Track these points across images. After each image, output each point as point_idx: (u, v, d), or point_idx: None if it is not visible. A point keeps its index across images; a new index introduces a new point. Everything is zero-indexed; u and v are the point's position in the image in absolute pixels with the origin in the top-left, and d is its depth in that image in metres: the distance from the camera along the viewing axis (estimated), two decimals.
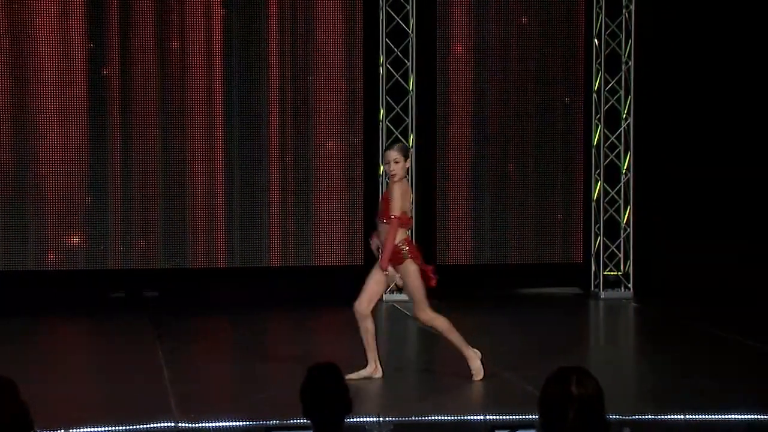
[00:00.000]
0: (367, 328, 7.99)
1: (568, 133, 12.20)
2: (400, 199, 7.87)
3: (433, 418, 7.16)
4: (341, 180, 11.73)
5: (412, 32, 11.78)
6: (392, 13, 11.75)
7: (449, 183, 12.06)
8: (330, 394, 3.88)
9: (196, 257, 11.71)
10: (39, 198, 11.40)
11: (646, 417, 7.10)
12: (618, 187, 12.08)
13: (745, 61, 12.15)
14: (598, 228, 12.10)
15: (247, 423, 6.91)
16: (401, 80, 11.80)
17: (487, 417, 7.00)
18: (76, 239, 11.48)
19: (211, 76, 11.64)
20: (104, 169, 11.50)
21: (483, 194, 12.09)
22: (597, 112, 12.06)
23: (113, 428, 6.81)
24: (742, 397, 7.47)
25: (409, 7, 11.74)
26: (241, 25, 11.65)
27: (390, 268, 7.85)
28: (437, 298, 11.80)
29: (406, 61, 11.78)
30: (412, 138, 11.84)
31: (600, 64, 11.99)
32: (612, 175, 12.08)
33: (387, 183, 11.78)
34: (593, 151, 12.12)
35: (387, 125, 11.82)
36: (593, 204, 12.12)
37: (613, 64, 12.00)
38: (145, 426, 6.85)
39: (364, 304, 7.97)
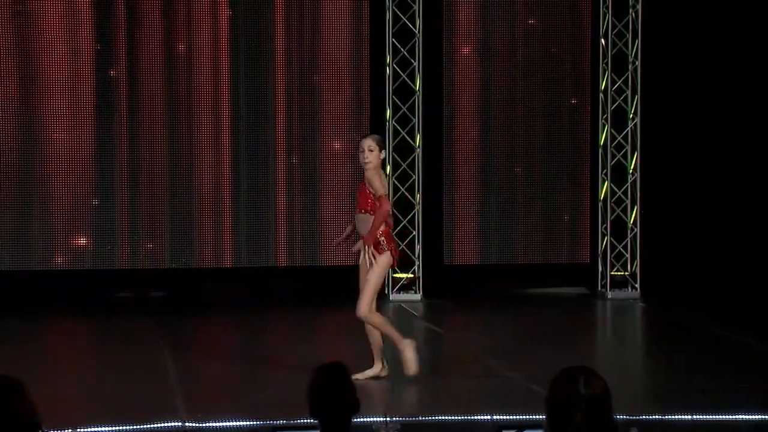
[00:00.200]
0: (375, 321, 7.98)
1: (574, 133, 12.20)
2: (381, 183, 7.79)
3: (439, 418, 7.16)
4: (348, 180, 11.73)
5: (419, 32, 11.78)
6: (399, 13, 11.75)
7: (456, 183, 12.06)
8: (337, 394, 3.88)
9: (203, 257, 11.72)
10: (46, 198, 11.42)
11: (654, 417, 7.09)
12: (625, 187, 12.07)
13: (753, 61, 12.13)
14: (605, 228, 12.09)
15: (254, 423, 6.91)
16: (408, 80, 11.80)
17: (494, 417, 7.00)
18: (83, 241, 11.50)
19: (218, 77, 11.65)
20: (111, 169, 11.51)
21: (490, 194, 12.08)
22: (604, 112, 12.05)
23: (120, 428, 6.82)
24: (749, 397, 7.46)
25: (415, 7, 11.74)
26: (248, 26, 11.66)
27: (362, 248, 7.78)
28: (444, 298, 11.85)
29: (412, 61, 11.78)
30: (418, 138, 11.84)
31: (607, 63, 11.98)
32: (619, 174, 12.07)
33: (393, 184, 11.80)
34: (600, 150, 12.11)
35: (394, 125, 11.82)
36: (600, 204, 12.11)
37: (619, 64, 11.99)
38: (152, 426, 6.86)
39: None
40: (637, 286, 12.07)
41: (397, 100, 11.80)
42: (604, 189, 12.09)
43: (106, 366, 8.80)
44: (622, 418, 6.73)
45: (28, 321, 10.70)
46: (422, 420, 7.13)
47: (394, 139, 11.83)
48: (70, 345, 10.11)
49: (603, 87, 12.03)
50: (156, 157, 11.59)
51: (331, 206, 11.82)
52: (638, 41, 11.94)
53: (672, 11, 12.02)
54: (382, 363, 8.05)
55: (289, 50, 11.73)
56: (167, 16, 11.53)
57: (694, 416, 7.06)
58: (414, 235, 11.85)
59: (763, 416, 7.07)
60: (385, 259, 7.84)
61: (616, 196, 12.08)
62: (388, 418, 6.99)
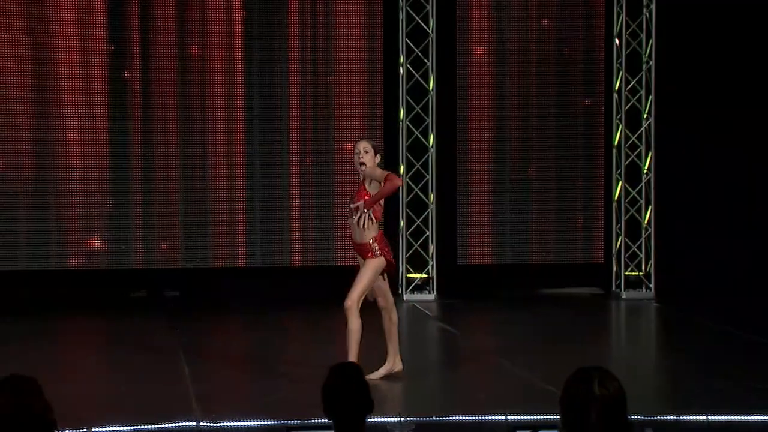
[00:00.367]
0: (391, 320, 7.97)
1: (588, 133, 12.18)
2: (380, 172, 7.68)
3: (454, 417, 7.15)
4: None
5: (432, 32, 11.78)
6: (412, 13, 11.75)
7: (469, 183, 12.06)
8: (351, 394, 3.88)
9: (217, 257, 11.74)
10: (61, 199, 11.46)
11: (668, 417, 7.08)
12: (639, 187, 12.05)
13: (767, 60, 12.09)
14: (619, 228, 12.07)
15: (268, 423, 6.92)
16: (421, 80, 11.80)
17: (508, 417, 6.99)
18: (98, 241, 11.53)
19: (232, 78, 11.67)
20: (125, 169, 11.54)
21: (504, 194, 12.07)
22: (618, 112, 12.03)
23: (135, 427, 6.83)
24: (763, 398, 7.43)
25: (429, 8, 11.74)
26: (261, 27, 11.67)
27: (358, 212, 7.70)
28: (458, 298, 11.85)
29: (426, 61, 11.78)
30: (432, 138, 11.84)
31: (621, 63, 11.96)
32: (633, 174, 12.05)
33: (407, 184, 11.79)
34: (614, 150, 12.09)
35: (407, 125, 11.82)
36: (614, 204, 12.09)
37: (633, 64, 11.97)
38: (166, 425, 6.87)
39: (384, 301, 7.96)
40: (652, 286, 12.05)
41: (410, 100, 11.80)
42: (618, 189, 12.07)
43: (120, 365, 8.82)
44: (637, 419, 6.72)
45: (43, 320, 10.73)
46: (436, 420, 7.13)
47: (407, 139, 11.83)
48: (84, 344, 10.14)
49: (617, 87, 12.01)
50: (170, 157, 11.62)
51: (345, 206, 11.77)
52: (652, 41, 11.91)
53: (686, 11, 11.99)
54: (395, 358, 8.03)
55: (303, 51, 11.74)
56: (181, 17, 11.56)
57: (709, 417, 7.04)
58: (428, 235, 11.85)
59: None
60: (377, 263, 7.80)
61: (630, 196, 12.05)
62: (402, 418, 6.99)
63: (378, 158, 7.86)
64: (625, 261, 12.06)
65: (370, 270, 7.78)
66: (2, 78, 11.32)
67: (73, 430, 6.67)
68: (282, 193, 11.79)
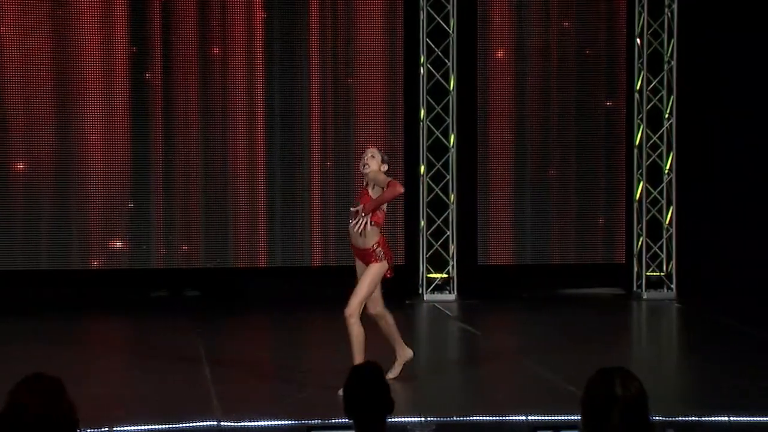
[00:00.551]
0: (387, 322, 7.93)
1: (610, 133, 12.15)
2: (383, 177, 7.65)
3: (474, 418, 7.15)
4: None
5: (453, 32, 11.77)
6: (433, 13, 11.75)
7: (490, 183, 12.04)
8: (372, 394, 3.89)
9: (238, 257, 11.77)
10: (83, 200, 11.50)
11: (690, 419, 7.05)
12: (660, 187, 12.01)
13: None
14: (641, 228, 12.03)
15: (289, 422, 6.93)
16: (442, 80, 11.79)
17: (529, 417, 6.98)
18: (119, 242, 11.57)
19: (252, 79, 11.69)
20: (146, 170, 11.58)
21: (524, 194, 12.06)
22: (639, 112, 12.00)
23: (156, 427, 6.86)
24: None
25: (449, 7, 11.74)
26: (282, 28, 11.69)
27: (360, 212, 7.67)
28: (479, 299, 11.83)
29: (446, 61, 11.77)
30: (453, 138, 11.84)
31: (642, 63, 11.92)
32: (654, 175, 12.01)
33: (427, 184, 11.79)
34: (635, 151, 12.05)
35: (428, 125, 11.82)
36: (635, 204, 12.06)
37: (655, 64, 11.93)
38: (187, 425, 6.89)
39: (376, 307, 7.87)
40: (673, 286, 12.00)
41: (431, 100, 11.80)
42: (639, 189, 12.04)
43: (141, 365, 8.85)
44: (659, 420, 6.69)
45: (65, 320, 10.78)
46: (457, 420, 7.12)
47: (428, 139, 11.83)
48: (106, 344, 10.18)
49: (638, 87, 11.97)
50: (190, 158, 11.65)
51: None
52: (674, 41, 11.87)
53: (707, 10, 11.95)
54: (402, 346, 7.96)
55: (323, 51, 11.76)
56: (202, 18, 11.59)
57: (731, 417, 7.01)
58: (448, 235, 11.85)
59: None
60: (380, 269, 7.76)
61: (651, 197, 12.01)
62: (422, 418, 6.99)
63: (385, 167, 7.82)
64: (646, 261, 12.02)
65: (371, 276, 7.74)
66: (25, 79, 11.37)
67: (95, 429, 6.70)
68: (302, 193, 11.80)
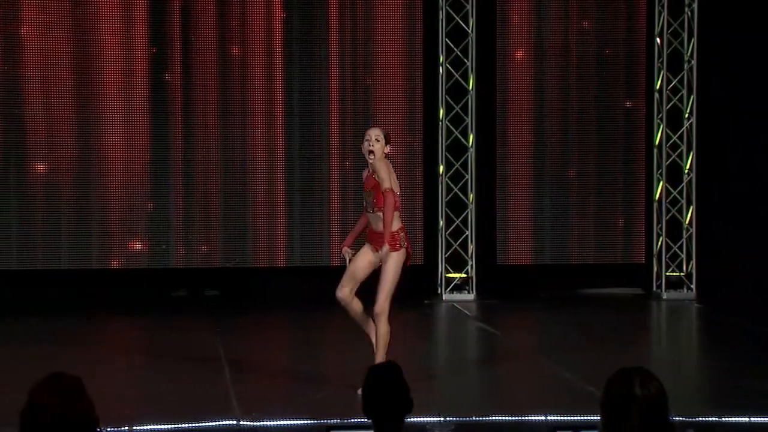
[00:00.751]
0: (355, 309, 7.79)
1: (629, 133, 12.11)
2: (388, 174, 7.61)
3: (493, 418, 7.14)
4: (400, 181, 11.71)
5: (472, 32, 11.76)
6: (452, 12, 11.74)
7: (509, 182, 12.03)
8: (391, 393, 3.88)
9: (257, 256, 11.79)
10: (102, 199, 11.54)
11: (710, 419, 7.03)
12: (680, 187, 11.97)
13: None
14: (660, 228, 11.99)
15: (308, 422, 6.94)
16: (461, 80, 11.78)
17: (548, 417, 6.97)
18: (139, 243, 11.61)
19: (272, 79, 11.71)
20: (166, 170, 11.61)
21: (543, 194, 12.03)
22: (659, 112, 11.96)
23: (175, 426, 6.87)
24: None
25: (468, 7, 11.73)
26: (302, 28, 11.71)
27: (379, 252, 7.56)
28: (498, 299, 11.81)
29: (465, 60, 11.76)
30: (471, 137, 11.82)
31: (662, 63, 11.88)
32: (674, 174, 11.97)
33: (446, 183, 11.78)
34: (655, 150, 12.01)
35: (447, 125, 11.81)
36: (655, 204, 12.02)
37: (675, 63, 11.88)
38: (207, 424, 6.91)
39: (346, 290, 7.79)
40: (693, 286, 11.96)
41: (450, 100, 11.79)
42: (659, 189, 12.00)
43: (161, 364, 8.87)
44: (679, 420, 6.67)
45: (85, 319, 10.82)
46: (476, 420, 7.12)
47: (447, 139, 11.82)
48: (125, 343, 10.21)
49: (658, 86, 11.93)
50: (210, 158, 11.68)
51: None
52: (694, 40, 11.83)
53: (728, 9, 11.90)
54: (368, 321, 7.77)
55: (343, 51, 11.77)
56: (221, 18, 11.61)
57: (751, 418, 6.98)
58: (467, 235, 11.84)
59: None
60: (401, 257, 7.65)
61: (671, 197, 11.97)
62: (441, 418, 6.98)
63: (387, 148, 7.72)
64: (666, 261, 11.98)
65: (393, 267, 7.62)
66: (46, 81, 11.42)
67: (115, 428, 6.72)
68: (321, 192, 11.82)
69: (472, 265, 11.86)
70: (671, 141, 11.96)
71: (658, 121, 11.97)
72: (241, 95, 11.68)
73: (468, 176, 11.83)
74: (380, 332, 7.65)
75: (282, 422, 6.95)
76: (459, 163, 11.84)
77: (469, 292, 11.83)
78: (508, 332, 10.65)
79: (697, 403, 7.52)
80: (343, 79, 11.78)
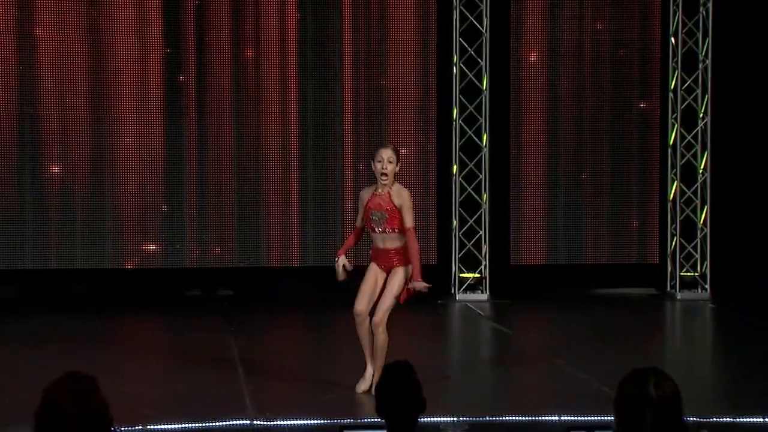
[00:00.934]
0: (365, 332, 7.78)
1: (643, 132, 12.09)
2: (411, 207, 7.63)
3: (507, 418, 7.14)
4: (414, 181, 11.73)
5: (486, 32, 11.75)
6: (466, 12, 11.73)
7: (523, 182, 12.01)
8: (404, 393, 3.89)
9: (270, 256, 11.81)
10: (117, 200, 11.57)
11: (725, 419, 7.01)
12: (695, 187, 11.94)
13: None
14: (675, 228, 11.96)
15: (322, 421, 6.95)
16: (474, 80, 11.77)
17: (562, 417, 6.96)
18: (153, 244, 11.63)
19: (286, 80, 11.72)
20: (180, 171, 11.64)
21: (557, 194, 12.02)
22: (673, 111, 11.93)
23: (189, 426, 6.89)
24: None
25: (482, 7, 11.72)
26: (316, 29, 11.71)
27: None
28: (511, 299, 11.80)
29: (479, 60, 11.75)
30: (485, 137, 11.81)
31: (677, 62, 11.85)
32: (689, 174, 11.94)
33: (460, 183, 11.76)
34: (669, 150, 11.99)
35: (460, 124, 11.80)
36: (669, 204, 11.99)
37: (689, 63, 11.85)
38: (220, 424, 6.92)
39: (363, 305, 7.81)
40: (707, 286, 11.93)
41: (463, 100, 11.78)
42: (673, 189, 11.97)
43: (174, 364, 8.89)
44: (693, 420, 6.66)
45: (99, 319, 10.85)
46: (489, 420, 7.11)
47: (460, 139, 11.81)
48: (139, 343, 10.23)
49: (673, 86, 11.90)
50: (224, 159, 11.70)
51: None
52: (709, 39, 11.79)
53: (743, 9, 11.86)
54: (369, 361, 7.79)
55: (357, 51, 11.77)
56: (236, 20, 11.63)
57: (766, 419, 6.96)
58: (480, 235, 11.83)
59: None
60: (406, 273, 7.72)
61: (685, 196, 11.94)
62: (455, 418, 6.98)
63: (398, 168, 7.73)
64: (680, 261, 11.95)
65: (398, 282, 7.69)
66: (60, 82, 11.45)
67: (129, 427, 6.74)
68: (335, 193, 11.82)
69: (485, 265, 11.85)
70: (686, 141, 11.93)
71: (673, 120, 11.94)
72: (254, 96, 11.69)
73: (481, 176, 11.82)
74: (379, 343, 7.70)
75: (295, 422, 6.96)
76: (473, 163, 11.83)
77: (482, 292, 11.82)
78: (522, 332, 10.64)
79: (711, 404, 7.50)
80: (357, 80, 11.79)
